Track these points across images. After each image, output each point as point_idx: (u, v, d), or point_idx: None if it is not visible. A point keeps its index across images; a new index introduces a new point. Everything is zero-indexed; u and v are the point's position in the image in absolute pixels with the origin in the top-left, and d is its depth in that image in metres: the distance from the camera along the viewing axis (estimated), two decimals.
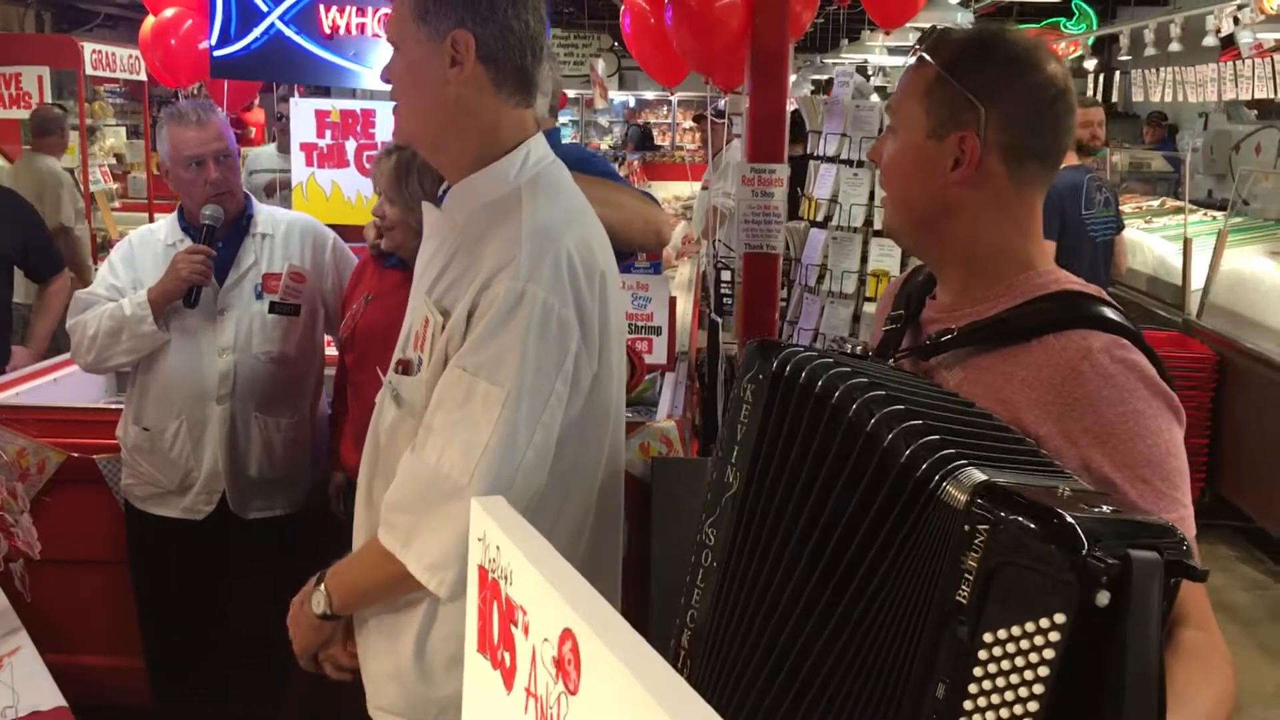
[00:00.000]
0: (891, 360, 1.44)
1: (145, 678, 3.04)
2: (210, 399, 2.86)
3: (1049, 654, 1.01)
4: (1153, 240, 6.84)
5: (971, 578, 1.05)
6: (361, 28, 3.84)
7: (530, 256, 1.53)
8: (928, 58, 1.39)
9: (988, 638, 1.04)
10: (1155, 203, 8.12)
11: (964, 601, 1.06)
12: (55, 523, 2.79)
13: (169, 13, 4.40)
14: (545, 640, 0.82)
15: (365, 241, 2.84)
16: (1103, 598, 1.00)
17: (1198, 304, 5.80)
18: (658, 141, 18.77)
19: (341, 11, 3.83)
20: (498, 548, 0.92)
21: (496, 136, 1.63)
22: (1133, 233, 7.06)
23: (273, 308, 2.92)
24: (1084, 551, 1.00)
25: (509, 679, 0.89)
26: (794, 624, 1.21)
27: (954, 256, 1.42)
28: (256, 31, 3.83)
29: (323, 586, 1.69)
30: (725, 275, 4.34)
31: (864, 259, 4.15)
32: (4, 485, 2.37)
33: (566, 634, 0.78)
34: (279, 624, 1.79)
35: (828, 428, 1.21)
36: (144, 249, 2.95)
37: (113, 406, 3.33)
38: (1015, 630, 1.03)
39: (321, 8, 3.82)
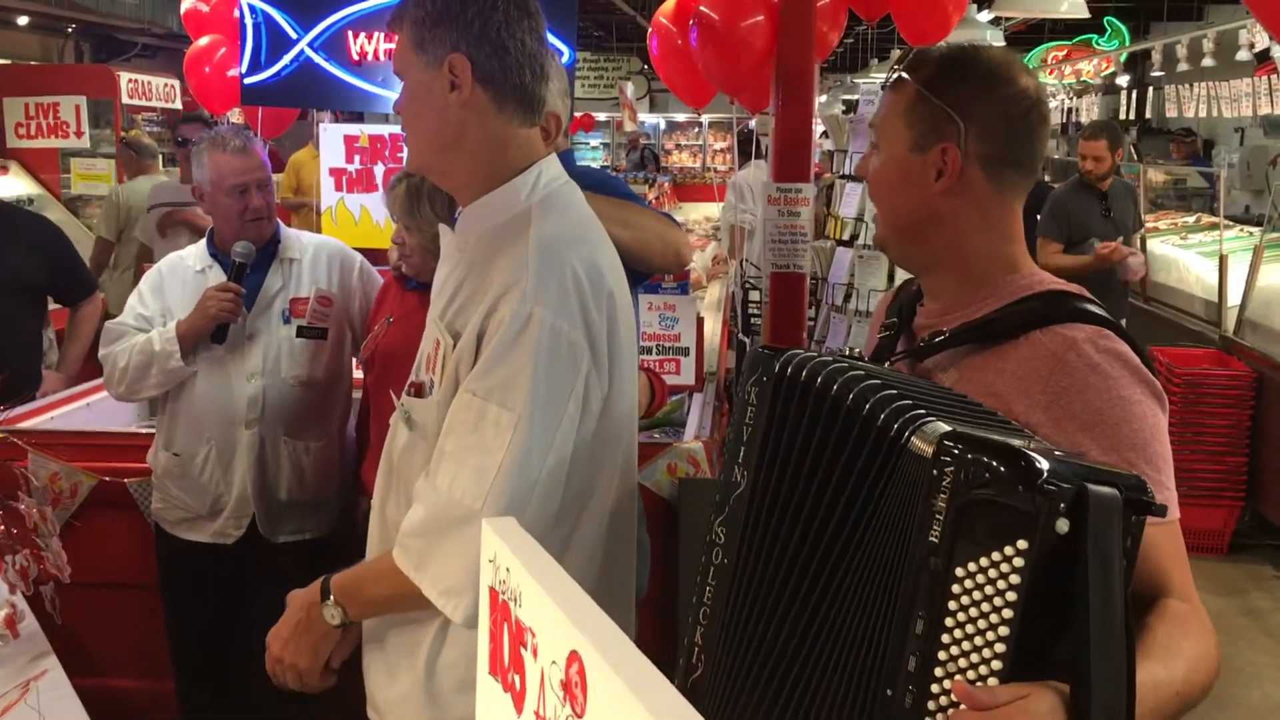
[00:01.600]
0: (888, 364, 1.50)
1: (174, 701, 3.05)
2: (239, 424, 2.88)
3: (1015, 579, 1.08)
4: (1188, 257, 6.77)
5: (941, 517, 1.12)
6: (390, 54, 3.87)
7: (536, 278, 1.53)
8: (907, 77, 1.47)
9: (959, 572, 1.11)
10: (1191, 219, 8.04)
11: (936, 541, 1.13)
12: (86, 546, 2.80)
13: (204, 41, 4.47)
14: (553, 663, 0.81)
15: (390, 264, 2.86)
16: (1062, 525, 1.07)
17: (1234, 320, 5.73)
18: (689, 164, 18.84)
19: (370, 38, 3.87)
20: (508, 569, 0.91)
21: (504, 158, 1.64)
22: (1167, 249, 7.00)
23: (300, 332, 2.93)
24: (1041, 481, 1.07)
25: (519, 702, 0.88)
26: (797, 607, 1.27)
27: (941, 263, 1.49)
28: (286, 59, 3.87)
29: (331, 600, 1.68)
30: (753, 295, 4.33)
31: (891, 277, 4.13)
32: (35, 508, 2.38)
33: (573, 656, 0.78)
34: None
35: (828, 418, 1.27)
36: (173, 277, 2.97)
37: (144, 431, 3.36)
38: (984, 561, 1.10)
39: (350, 34, 3.85)
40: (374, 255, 3.27)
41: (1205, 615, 1.31)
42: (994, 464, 1.10)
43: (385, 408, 2.65)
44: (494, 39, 1.58)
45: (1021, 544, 1.07)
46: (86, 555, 2.63)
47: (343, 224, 4.06)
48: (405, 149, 1.75)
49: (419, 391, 1.66)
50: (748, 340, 3.88)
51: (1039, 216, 5.53)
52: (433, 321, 1.67)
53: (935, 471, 1.13)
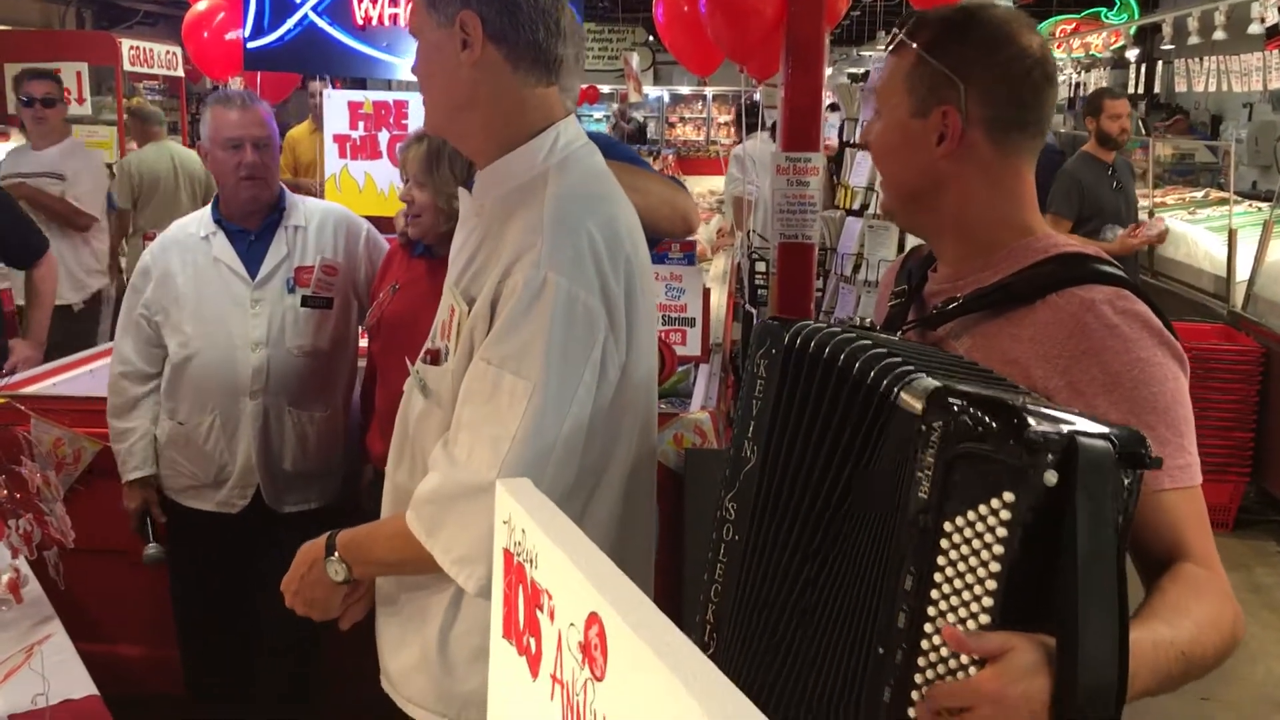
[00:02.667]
0: (900, 333, 1.47)
1: (179, 668, 3.05)
2: (243, 393, 2.85)
3: (1002, 533, 1.07)
4: (1197, 232, 6.73)
5: (930, 473, 1.12)
6: (394, 18, 3.83)
7: (551, 243, 1.49)
8: (907, 40, 1.44)
9: (947, 526, 1.10)
10: (1199, 194, 7.99)
11: (925, 496, 1.12)
12: (90, 512, 2.79)
13: (202, 5, 4.42)
14: (571, 625, 0.79)
15: (396, 230, 2.84)
16: (1050, 477, 1.05)
17: (1243, 296, 5.69)
18: (694, 137, 18.76)
19: (374, 2, 3.83)
20: (523, 530, 0.89)
21: (521, 119, 1.60)
22: (1176, 224, 6.95)
23: (305, 301, 2.90)
24: (1028, 433, 1.06)
25: (534, 665, 0.86)
26: (804, 580, 1.27)
27: (949, 229, 1.47)
28: (290, 23, 3.83)
29: (335, 556, 1.66)
30: (759, 266, 4.30)
31: (901, 247, 4.10)
32: (39, 473, 2.37)
33: (593, 618, 0.76)
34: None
35: (835, 388, 1.26)
36: (173, 246, 2.94)
37: None
38: (971, 515, 1.09)
39: None
40: (379, 224, 3.25)
41: (1225, 581, 1.29)
42: (982, 416, 1.09)
43: (392, 375, 2.63)
44: None
45: (1008, 496, 1.07)
46: (90, 521, 2.62)
47: (347, 191, 4.03)
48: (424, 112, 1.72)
49: (435, 359, 1.64)
50: (754, 312, 3.85)
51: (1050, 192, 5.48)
52: (448, 288, 1.64)
53: (924, 427, 1.13)
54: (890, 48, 1.48)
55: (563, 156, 1.60)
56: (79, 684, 1.99)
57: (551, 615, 0.83)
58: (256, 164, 2.84)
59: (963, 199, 1.43)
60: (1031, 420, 1.07)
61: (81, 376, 3.55)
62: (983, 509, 1.08)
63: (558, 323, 1.48)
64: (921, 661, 1.12)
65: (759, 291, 4.20)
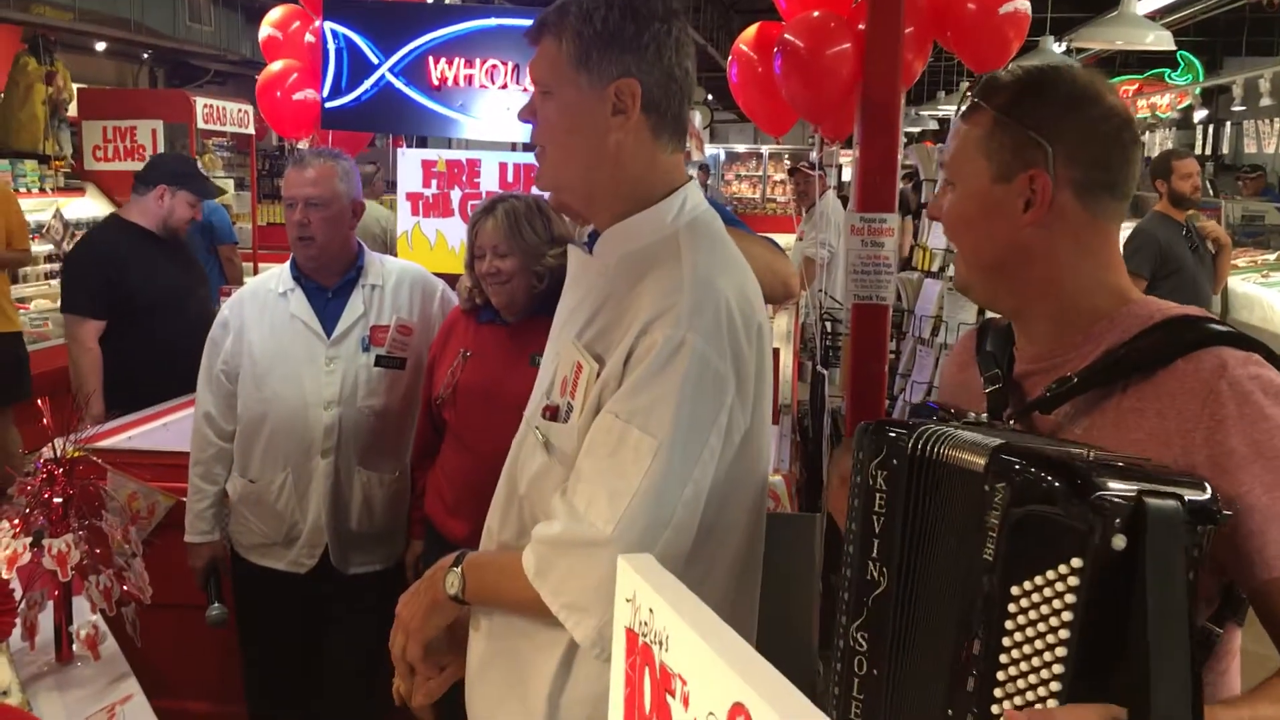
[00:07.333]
0: (1011, 421, 1.39)
1: None
2: (315, 452, 2.85)
3: (1070, 599, 1.05)
4: (1272, 295, 6.60)
5: (995, 535, 1.10)
6: (469, 79, 3.87)
7: (691, 305, 1.48)
8: (982, 103, 1.37)
9: (1014, 590, 1.08)
10: (1271, 256, 7.85)
11: (990, 559, 1.10)
12: (160, 566, 2.79)
13: (276, 66, 4.50)
14: (710, 714, 0.75)
15: (459, 300, 2.83)
16: (1118, 541, 1.03)
17: None
18: (749, 194, 18.85)
19: (450, 63, 3.88)
20: (650, 610, 0.85)
21: (651, 182, 1.59)
22: (1249, 287, 6.83)
23: (379, 361, 2.90)
24: (1094, 495, 1.03)
25: None
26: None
27: (1038, 301, 1.39)
28: (367, 84, 3.89)
29: (459, 569, 1.63)
30: (828, 326, 4.27)
31: (980, 310, 4.05)
32: (118, 529, 2.37)
33: (738, 708, 0.72)
34: (377, 675, 1.74)
35: (966, 494, 1.19)
36: (251, 300, 2.97)
37: None
38: (1038, 580, 1.07)
39: (430, 60, 3.86)
40: (451, 279, 3.26)
41: None
42: (1047, 478, 1.07)
43: (474, 442, 2.62)
44: (665, 66, 1.55)
45: (1075, 562, 1.05)
46: (162, 576, 2.61)
47: (418, 248, 4.05)
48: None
49: (554, 415, 1.61)
50: (825, 373, 3.80)
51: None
52: (570, 344, 1.62)
53: (987, 487, 1.11)
54: (962, 112, 1.41)
55: (690, 219, 1.60)
56: None
57: (685, 702, 0.79)
58: (304, 223, 2.85)
59: (1053, 269, 1.35)
60: (1098, 481, 1.04)
61: (156, 430, 3.58)
62: (1050, 574, 1.06)
63: (689, 385, 1.46)
64: None
65: (829, 352, 4.16)
